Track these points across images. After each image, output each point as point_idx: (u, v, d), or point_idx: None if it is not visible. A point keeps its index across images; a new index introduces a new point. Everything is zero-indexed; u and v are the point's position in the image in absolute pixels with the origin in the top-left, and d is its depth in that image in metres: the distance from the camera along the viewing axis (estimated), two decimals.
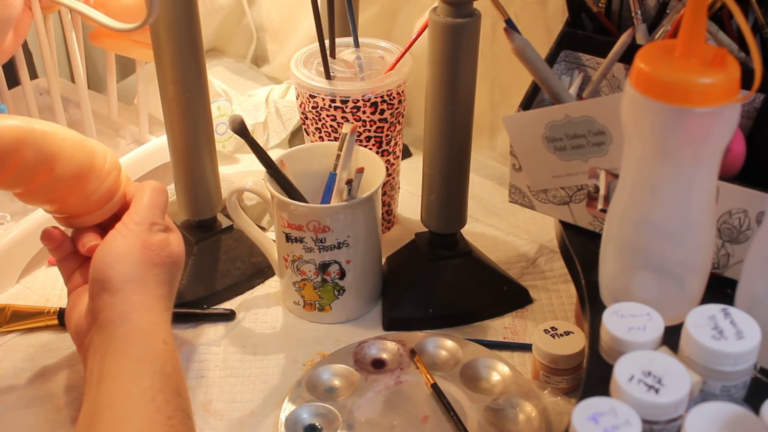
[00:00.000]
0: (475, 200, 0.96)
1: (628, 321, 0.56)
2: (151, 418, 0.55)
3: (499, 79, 1.01)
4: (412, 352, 0.76)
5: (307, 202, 0.78)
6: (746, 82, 0.53)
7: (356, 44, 0.91)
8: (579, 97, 0.76)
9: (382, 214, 0.91)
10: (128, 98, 1.08)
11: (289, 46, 1.18)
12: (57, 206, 0.67)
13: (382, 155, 0.87)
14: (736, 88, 0.51)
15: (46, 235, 0.69)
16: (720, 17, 0.72)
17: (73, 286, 0.70)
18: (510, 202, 0.76)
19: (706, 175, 0.55)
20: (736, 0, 0.51)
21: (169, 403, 0.57)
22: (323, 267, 0.78)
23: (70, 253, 0.70)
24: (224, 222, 0.87)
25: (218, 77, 1.14)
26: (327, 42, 0.87)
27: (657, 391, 0.49)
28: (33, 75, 1.08)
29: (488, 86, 1.01)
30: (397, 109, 0.86)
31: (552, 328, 0.73)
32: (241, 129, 0.75)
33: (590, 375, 0.58)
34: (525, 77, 0.73)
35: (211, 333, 0.81)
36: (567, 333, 0.72)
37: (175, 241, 0.68)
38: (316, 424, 0.71)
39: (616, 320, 0.56)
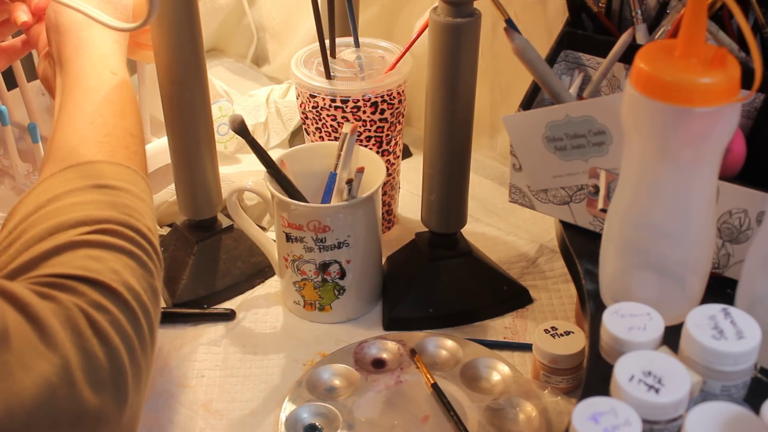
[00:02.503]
0: (476, 200, 0.96)
1: (629, 321, 0.56)
2: (87, 137, 0.61)
3: (499, 79, 1.01)
4: (413, 352, 0.76)
5: (308, 202, 0.78)
6: (746, 82, 0.53)
7: (356, 44, 0.91)
8: (579, 97, 0.76)
9: (383, 213, 0.91)
10: None
11: (290, 46, 1.18)
12: None
13: (383, 155, 0.87)
14: (736, 88, 0.51)
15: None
16: (720, 17, 0.72)
17: (41, 47, 0.74)
18: (510, 202, 0.76)
19: (706, 175, 0.55)
20: (736, 0, 0.51)
21: (108, 124, 0.62)
22: (323, 267, 0.78)
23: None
24: (224, 222, 0.87)
25: (218, 77, 1.14)
26: (327, 42, 0.87)
27: (657, 391, 0.49)
28: (34, 76, 1.08)
29: (488, 86, 1.01)
30: (397, 108, 0.86)
31: (552, 327, 0.73)
32: (241, 129, 0.75)
33: (590, 375, 0.58)
34: (525, 77, 0.73)
35: (211, 333, 0.81)
36: (567, 333, 0.72)
37: None
38: (317, 423, 0.71)
39: (616, 320, 0.56)
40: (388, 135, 0.87)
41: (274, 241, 0.82)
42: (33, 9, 0.74)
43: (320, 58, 0.85)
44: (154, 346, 0.55)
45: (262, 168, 0.78)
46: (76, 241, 0.52)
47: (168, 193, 0.92)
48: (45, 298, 0.48)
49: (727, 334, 0.51)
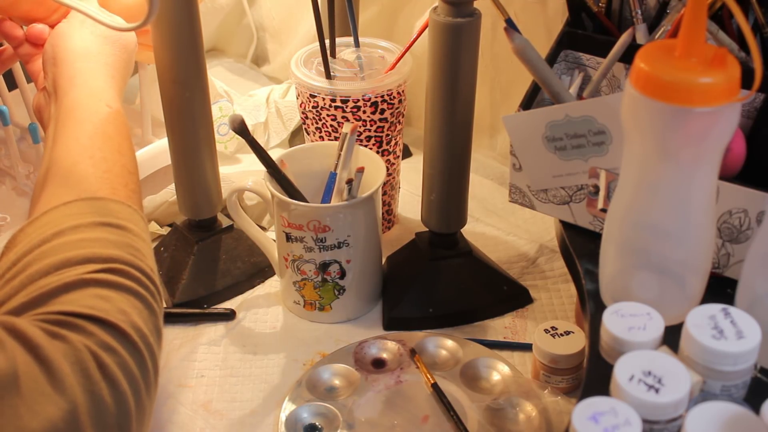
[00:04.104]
0: (476, 200, 0.96)
1: (629, 321, 0.56)
2: (87, 172, 0.60)
3: (499, 79, 1.01)
4: (413, 352, 0.76)
5: (308, 202, 0.78)
6: (746, 81, 0.53)
7: (356, 44, 0.91)
8: (579, 96, 0.76)
9: (383, 213, 0.91)
10: (130, 100, 1.08)
11: (290, 46, 1.18)
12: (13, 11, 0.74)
13: (383, 155, 0.87)
14: (736, 87, 0.51)
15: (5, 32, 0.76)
16: (720, 17, 0.72)
17: (40, 83, 0.74)
18: (510, 201, 0.76)
19: (706, 174, 0.55)
20: (736, 0, 0.51)
21: (107, 160, 0.61)
22: (323, 266, 0.78)
23: (30, 52, 0.76)
24: (224, 222, 0.87)
25: (218, 77, 1.14)
26: (327, 42, 0.87)
27: (657, 390, 0.49)
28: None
29: (488, 86, 1.01)
30: (397, 108, 0.86)
31: (552, 327, 0.73)
32: (241, 128, 0.75)
33: (590, 375, 0.58)
34: (525, 77, 0.73)
35: (211, 333, 0.81)
36: (567, 333, 0.72)
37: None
38: (317, 423, 0.71)
39: (616, 320, 0.56)
40: (388, 135, 0.87)
41: (274, 241, 0.82)
42: (27, 35, 0.74)
43: (320, 58, 0.85)
44: (157, 387, 0.54)
45: (262, 168, 0.78)
46: (84, 279, 0.52)
47: (168, 193, 0.92)
48: (55, 338, 0.48)
49: (727, 334, 0.51)
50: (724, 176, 0.59)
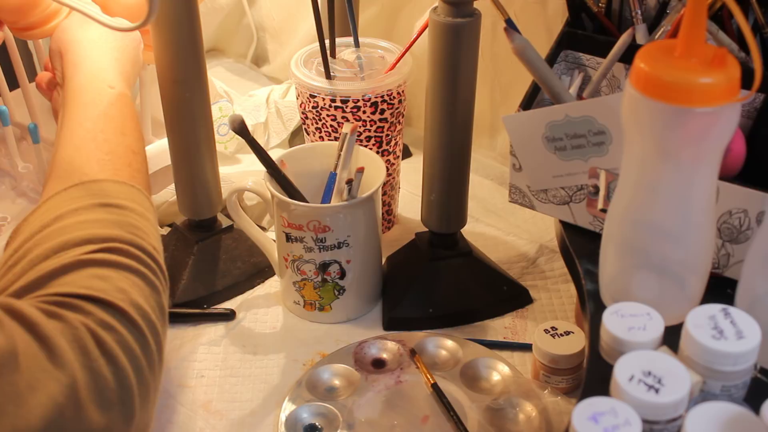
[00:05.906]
0: (475, 200, 0.96)
1: (628, 321, 0.56)
2: (90, 155, 0.61)
3: (499, 79, 1.01)
4: (412, 352, 0.76)
5: (308, 202, 0.78)
6: (746, 82, 0.53)
7: (356, 44, 0.91)
8: (579, 97, 0.76)
9: (382, 213, 0.91)
10: None
11: (290, 46, 1.18)
12: (12, 19, 0.75)
13: (383, 155, 0.87)
14: (736, 88, 0.51)
15: (39, 86, 0.77)
16: (720, 17, 0.72)
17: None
18: (510, 202, 0.76)
19: (706, 174, 0.55)
20: (736, 0, 0.51)
21: (110, 142, 0.62)
22: (323, 267, 0.78)
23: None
24: (224, 222, 0.87)
25: (218, 77, 1.14)
26: (327, 42, 0.87)
27: (657, 391, 0.49)
28: (34, 77, 1.08)
29: (488, 86, 1.01)
30: (397, 108, 0.86)
31: (552, 327, 0.73)
32: (241, 129, 0.75)
33: (590, 375, 0.58)
34: (525, 77, 0.73)
35: (211, 333, 0.81)
36: (567, 333, 0.72)
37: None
38: (317, 423, 0.71)
39: (616, 320, 0.56)
40: (388, 135, 0.87)
41: (274, 241, 0.82)
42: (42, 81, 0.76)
43: (320, 58, 0.85)
44: (162, 364, 0.54)
45: (262, 168, 0.78)
46: (82, 260, 0.52)
47: (168, 193, 0.92)
48: (52, 317, 0.48)
49: (727, 334, 0.51)
50: (724, 176, 0.59)
